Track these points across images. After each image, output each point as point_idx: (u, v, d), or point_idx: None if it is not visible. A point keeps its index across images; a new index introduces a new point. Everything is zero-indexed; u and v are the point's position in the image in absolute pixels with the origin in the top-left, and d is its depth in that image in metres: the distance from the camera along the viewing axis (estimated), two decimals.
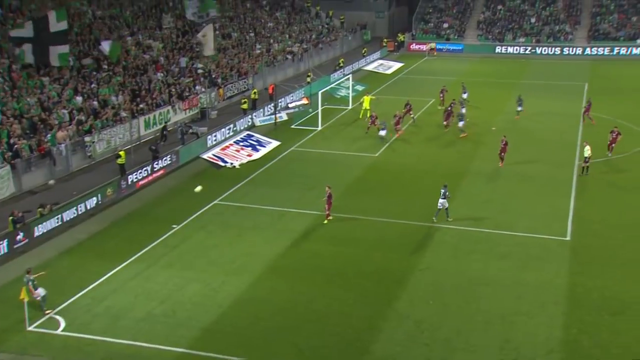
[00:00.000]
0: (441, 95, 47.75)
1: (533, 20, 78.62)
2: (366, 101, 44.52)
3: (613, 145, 36.20)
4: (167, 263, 24.70)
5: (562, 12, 78.90)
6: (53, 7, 41.26)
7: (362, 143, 39.57)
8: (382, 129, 38.37)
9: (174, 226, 27.90)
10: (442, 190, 27.92)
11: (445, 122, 42.18)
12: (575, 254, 25.13)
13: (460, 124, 40.41)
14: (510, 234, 26.90)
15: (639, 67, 66.02)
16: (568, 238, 26.51)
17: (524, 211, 29.35)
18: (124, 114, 38.74)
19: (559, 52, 73.42)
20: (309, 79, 55.31)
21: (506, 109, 48.28)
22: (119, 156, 33.68)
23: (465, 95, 47.73)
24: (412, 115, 43.32)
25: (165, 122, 40.96)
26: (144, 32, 50.13)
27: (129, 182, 32.17)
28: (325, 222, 28.10)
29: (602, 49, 72.22)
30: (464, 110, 43.74)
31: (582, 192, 31.61)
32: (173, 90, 44.19)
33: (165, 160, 35.00)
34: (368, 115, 42.96)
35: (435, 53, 74.77)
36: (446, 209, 28.02)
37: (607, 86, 56.27)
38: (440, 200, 27.90)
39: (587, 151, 33.35)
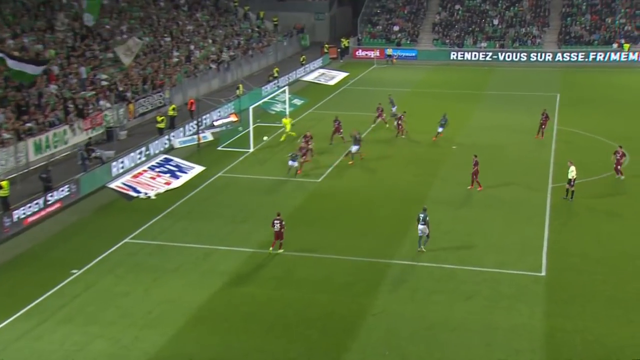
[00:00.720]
0: (378, 112, 48.50)
1: (496, 22, 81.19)
2: (287, 124, 44.90)
3: (619, 167, 37.10)
4: (64, 317, 24.08)
5: (528, 13, 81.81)
6: None
7: (303, 167, 39.72)
8: (292, 160, 38.17)
9: (74, 271, 27.31)
10: (421, 215, 28.46)
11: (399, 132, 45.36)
12: (551, 291, 25.74)
13: (354, 148, 40.31)
14: (477, 270, 27.37)
15: (617, 74, 68.92)
16: (543, 273, 27.16)
17: (492, 243, 29.95)
18: (6, 135, 37.79)
19: (525, 58, 75.95)
20: (237, 92, 55.35)
21: (469, 124, 49.47)
22: (1, 187, 32.82)
23: (394, 109, 48.73)
24: (341, 135, 43.55)
25: (90, 138, 40.16)
26: (31, 34, 49.19)
27: (14, 219, 31.32)
28: (281, 250, 28.72)
29: (574, 54, 75.09)
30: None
31: (557, 219, 32.50)
32: (71, 105, 43.47)
33: (61, 191, 34.30)
34: (283, 137, 44.12)
35: (394, 61, 76.09)
36: (427, 235, 28.53)
37: (581, 97, 58.40)
38: (420, 227, 28.42)
39: (572, 172, 34.13)
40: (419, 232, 28.58)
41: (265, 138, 39.85)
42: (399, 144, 44.56)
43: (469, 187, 36.02)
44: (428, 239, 28.79)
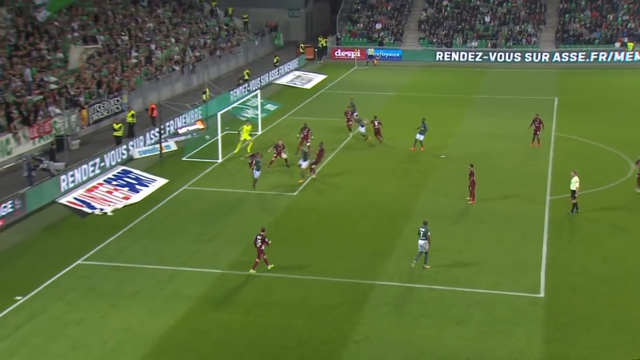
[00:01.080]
0: (347, 118, 48.60)
1: (487, 19, 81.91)
2: (245, 132, 44.57)
3: None
4: (6, 350, 23.74)
5: (522, 9, 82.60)
6: None
7: (276, 179, 39.72)
8: (256, 169, 37.95)
9: (18, 298, 27.00)
10: (422, 230, 28.72)
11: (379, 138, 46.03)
12: (551, 314, 25.85)
13: (303, 164, 39.40)
14: (469, 291, 27.45)
15: (620, 76, 69.76)
16: (541, 294, 27.28)
17: (485, 261, 30.06)
18: None
19: (519, 58, 76.62)
20: (204, 97, 55.26)
21: (458, 130, 49.76)
22: None
23: (354, 115, 48.93)
24: (308, 144, 43.20)
25: (52, 144, 39.75)
26: None
27: None
28: (252, 271, 28.71)
29: (573, 54, 75.89)
30: (363, 130, 46.38)
31: (557, 235, 32.71)
32: (15, 111, 43.12)
33: (4, 207, 33.96)
34: (249, 148, 43.88)
35: (376, 62, 76.43)
36: (426, 252, 28.84)
37: (581, 100, 58.99)
38: (420, 242, 28.66)
39: (575, 183, 34.30)
40: (419, 247, 28.80)
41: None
42: (382, 153, 44.68)
43: (468, 199, 36.15)
44: (427, 255, 28.96)
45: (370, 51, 77.36)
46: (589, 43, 77.36)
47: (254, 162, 38.22)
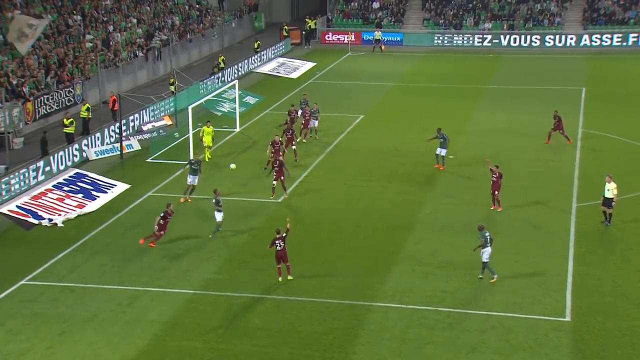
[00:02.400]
0: (305, 119, 48.18)
1: None
2: (206, 135, 43.30)
3: None
4: None
5: None
6: None
7: (258, 183, 39.68)
8: (192, 173, 37.36)
9: None
10: (487, 235, 29.08)
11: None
12: (579, 342, 25.81)
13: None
14: (483, 315, 27.43)
15: None
16: (567, 318, 27.28)
17: (501, 279, 30.01)
18: None
19: (539, 42, 76.71)
20: (172, 88, 55.16)
21: (467, 127, 49.79)
22: None
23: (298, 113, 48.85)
24: (294, 147, 42.99)
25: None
26: None
27: None
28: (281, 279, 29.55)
29: (606, 36, 76.00)
30: (316, 123, 46.80)
31: (585, 248, 32.71)
32: None
33: None
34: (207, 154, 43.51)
35: (384, 47, 76.42)
36: (484, 262, 29.39)
37: (613, 91, 59.17)
38: (489, 250, 29.19)
39: (612, 190, 34.07)
40: (487, 256, 29.30)
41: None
42: (380, 154, 44.59)
43: (498, 209, 36.30)
44: (486, 265, 29.43)
45: (377, 35, 77.02)
46: (623, 23, 77.51)
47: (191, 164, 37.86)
